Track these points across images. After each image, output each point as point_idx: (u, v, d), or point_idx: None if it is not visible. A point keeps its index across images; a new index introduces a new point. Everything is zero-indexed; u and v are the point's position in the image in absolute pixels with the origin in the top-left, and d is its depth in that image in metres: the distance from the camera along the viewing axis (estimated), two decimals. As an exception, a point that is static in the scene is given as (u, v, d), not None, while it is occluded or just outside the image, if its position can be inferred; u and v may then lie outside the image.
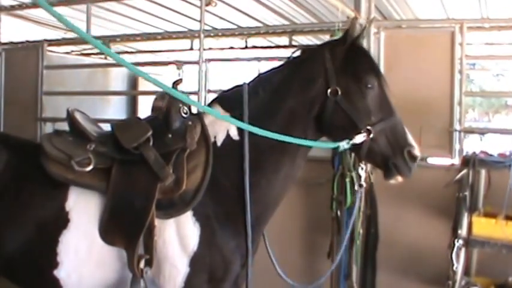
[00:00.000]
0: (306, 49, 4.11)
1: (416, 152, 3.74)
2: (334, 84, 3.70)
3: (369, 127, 3.68)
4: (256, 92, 3.83)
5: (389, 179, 3.83)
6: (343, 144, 3.75)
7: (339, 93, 3.68)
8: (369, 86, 3.73)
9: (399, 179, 3.81)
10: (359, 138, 3.68)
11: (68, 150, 3.64)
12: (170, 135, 3.64)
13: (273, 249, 4.20)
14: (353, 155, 5.56)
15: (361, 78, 3.73)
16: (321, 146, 4.22)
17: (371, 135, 3.68)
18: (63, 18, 2.17)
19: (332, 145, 3.86)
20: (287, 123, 3.75)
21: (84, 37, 2.35)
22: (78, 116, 3.85)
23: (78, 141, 3.73)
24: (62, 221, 3.53)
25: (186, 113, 3.73)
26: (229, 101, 3.87)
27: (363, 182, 4.22)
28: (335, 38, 3.97)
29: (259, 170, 3.73)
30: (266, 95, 3.81)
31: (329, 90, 3.69)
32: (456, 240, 5.02)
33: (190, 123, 3.68)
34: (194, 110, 3.94)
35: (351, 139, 3.70)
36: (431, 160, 5.97)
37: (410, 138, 3.75)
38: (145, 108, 9.91)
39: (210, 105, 4.03)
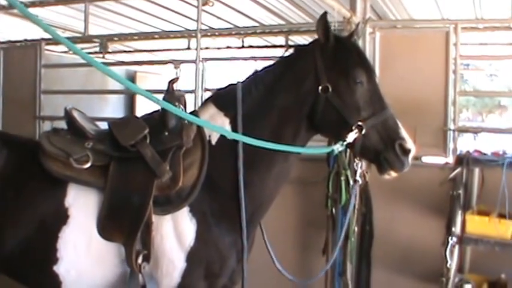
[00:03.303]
0: (297, 47, 4.15)
1: (409, 145, 3.69)
2: (325, 81, 3.72)
3: (360, 123, 3.70)
4: (250, 90, 3.87)
5: (383, 174, 3.83)
6: (337, 147, 3.79)
7: (330, 90, 3.71)
8: (358, 81, 3.73)
9: (392, 173, 3.81)
10: (351, 137, 3.69)
11: (66, 148, 3.68)
12: (166, 133, 3.68)
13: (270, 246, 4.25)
14: (348, 153, 5.60)
15: (349, 74, 3.73)
16: (316, 152, 4.27)
17: (363, 132, 3.70)
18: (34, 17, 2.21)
19: (326, 149, 3.92)
20: (280, 122, 3.79)
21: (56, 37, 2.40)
22: (76, 115, 3.90)
23: (76, 139, 3.77)
24: (61, 217, 3.58)
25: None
26: (223, 99, 3.92)
27: (358, 178, 4.24)
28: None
29: (252, 167, 3.77)
30: (259, 93, 3.85)
31: (320, 88, 3.72)
32: (450, 238, 5.05)
33: (186, 121, 3.71)
34: (190, 108, 3.99)
35: (344, 140, 3.72)
36: (426, 159, 5.99)
37: (403, 132, 3.72)
38: (142, 106, 9.96)
39: (204, 104, 4.09)
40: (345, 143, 3.73)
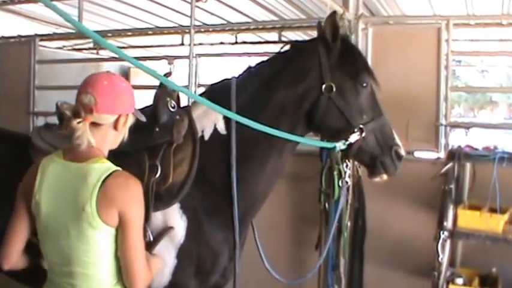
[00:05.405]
0: (296, 44, 4.16)
1: (402, 151, 3.86)
2: (329, 80, 3.73)
3: (361, 126, 3.77)
4: (245, 86, 3.86)
5: (375, 177, 3.95)
6: (340, 145, 3.81)
7: (334, 89, 3.74)
8: (364, 84, 3.79)
9: (384, 177, 3.92)
10: (353, 138, 3.76)
11: (56, 143, 3.66)
12: (157, 129, 3.66)
13: (261, 242, 4.27)
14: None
15: (357, 77, 3.78)
16: (318, 145, 4.29)
17: (363, 134, 3.77)
18: (68, 16, 2.24)
19: (329, 145, 3.91)
20: (275, 118, 3.76)
21: (90, 35, 2.43)
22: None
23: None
24: None
25: (173, 107, 3.76)
26: (217, 95, 3.84)
27: (347, 179, 4.32)
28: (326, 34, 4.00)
29: (246, 163, 3.77)
30: (254, 88, 3.84)
31: (323, 86, 3.73)
32: (442, 232, 5.07)
33: (177, 117, 3.71)
34: (182, 105, 3.99)
35: (346, 139, 3.77)
36: (418, 154, 6.01)
37: (397, 138, 3.87)
38: (136, 102, 9.98)
39: (197, 99, 4.08)
40: (347, 142, 3.79)
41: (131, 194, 2.76)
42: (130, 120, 3.00)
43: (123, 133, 3.00)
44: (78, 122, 2.73)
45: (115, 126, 2.89)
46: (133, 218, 2.75)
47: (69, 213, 2.71)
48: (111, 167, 2.78)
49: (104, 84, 2.83)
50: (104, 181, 2.69)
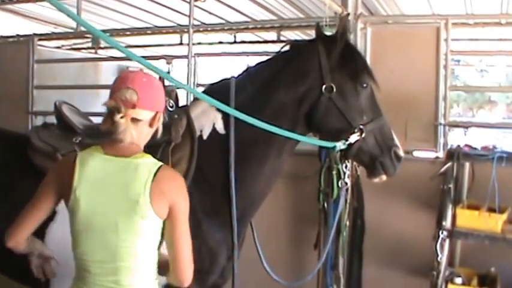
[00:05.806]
0: (296, 44, 4.15)
1: (401, 152, 3.88)
2: (329, 81, 3.74)
3: (361, 126, 3.77)
4: (244, 85, 3.86)
5: (374, 178, 3.96)
6: (340, 145, 3.82)
7: (334, 90, 3.74)
8: (364, 85, 3.80)
9: (383, 177, 3.93)
10: (353, 138, 3.77)
11: (54, 142, 3.68)
12: None
13: (260, 242, 4.27)
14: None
15: (357, 77, 3.79)
16: (318, 144, 4.29)
17: (363, 135, 3.77)
18: (79, 18, 2.24)
19: (329, 144, 3.91)
20: (275, 118, 3.76)
21: (103, 37, 2.43)
22: (65, 109, 3.88)
23: (65, 134, 3.77)
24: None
25: (172, 106, 3.76)
26: (216, 94, 3.75)
27: (347, 180, 4.32)
28: (327, 34, 4.00)
29: (244, 163, 3.77)
30: (254, 89, 3.84)
31: (324, 87, 3.74)
32: (440, 232, 5.07)
33: (176, 116, 3.71)
34: (180, 104, 3.98)
35: (346, 139, 3.77)
36: (417, 153, 6.01)
37: (396, 139, 3.88)
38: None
39: (196, 98, 4.06)
40: (347, 142, 3.79)
41: (180, 187, 2.85)
42: (162, 118, 3.01)
43: (153, 130, 3.00)
44: (121, 117, 2.74)
45: (151, 123, 2.91)
46: (182, 210, 2.83)
47: (119, 206, 2.72)
48: (157, 161, 2.84)
49: (144, 81, 2.85)
50: (155, 174, 2.73)
